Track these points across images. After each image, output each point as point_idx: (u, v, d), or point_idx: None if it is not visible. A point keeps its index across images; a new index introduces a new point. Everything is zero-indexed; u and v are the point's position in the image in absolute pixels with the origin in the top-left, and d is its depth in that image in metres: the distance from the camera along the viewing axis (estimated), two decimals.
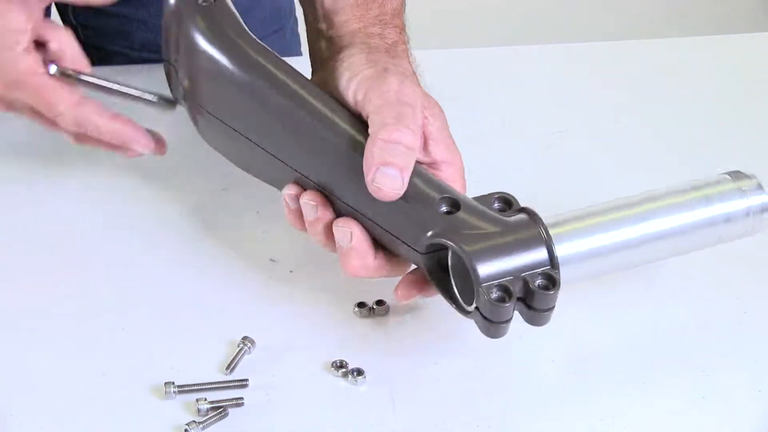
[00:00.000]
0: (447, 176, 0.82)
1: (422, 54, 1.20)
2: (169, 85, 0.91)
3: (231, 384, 0.79)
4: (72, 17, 1.21)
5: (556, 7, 2.71)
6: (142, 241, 0.91)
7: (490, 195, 0.79)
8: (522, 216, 0.77)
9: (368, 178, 0.77)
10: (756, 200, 0.83)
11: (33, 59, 0.87)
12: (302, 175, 0.82)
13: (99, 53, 1.23)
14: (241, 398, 0.77)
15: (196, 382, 0.78)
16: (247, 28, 0.87)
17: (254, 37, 0.86)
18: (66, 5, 1.21)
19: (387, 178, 0.77)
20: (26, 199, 0.96)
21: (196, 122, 0.89)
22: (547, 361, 0.81)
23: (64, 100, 0.87)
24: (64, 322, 0.84)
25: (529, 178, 1.00)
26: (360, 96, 0.81)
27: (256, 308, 0.85)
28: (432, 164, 0.82)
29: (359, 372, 0.79)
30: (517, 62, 1.18)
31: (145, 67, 1.09)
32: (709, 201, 0.82)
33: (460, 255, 0.74)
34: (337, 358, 0.80)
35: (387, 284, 0.83)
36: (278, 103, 0.82)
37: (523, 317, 0.76)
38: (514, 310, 0.75)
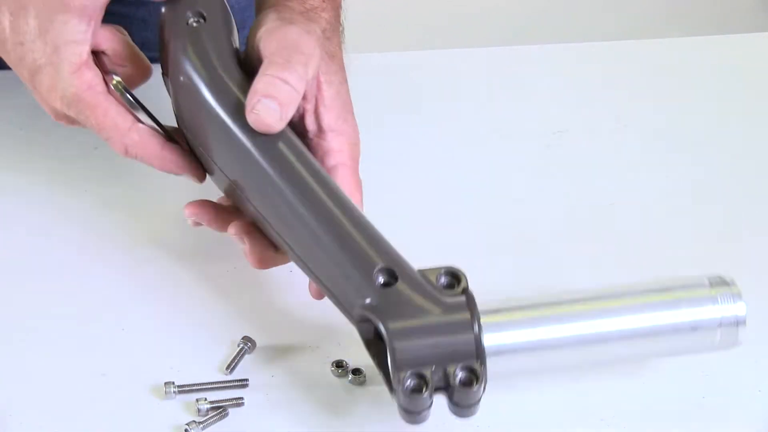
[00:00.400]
0: (333, 146, 0.82)
1: (423, 54, 1.20)
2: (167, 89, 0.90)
3: (231, 384, 0.79)
4: None
5: (556, 7, 2.71)
6: (141, 240, 0.91)
7: (439, 269, 0.74)
8: (460, 298, 0.72)
9: (248, 108, 0.77)
10: (731, 310, 0.75)
11: (92, 74, 0.82)
12: (255, 207, 0.80)
13: None
14: (241, 398, 0.77)
15: (196, 382, 0.78)
16: (233, 51, 0.83)
17: (237, 65, 0.82)
18: None
19: (267, 109, 0.77)
20: (27, 199, 0.96)
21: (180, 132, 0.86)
22: None
23: (116, 126, 0.83)
24: (64, 322, 0.84)
25: (528, 178, 1.00)
26: (261, 45, 0.81)
27: (256, 308, 0.85)
28: (319, 132, 0.82)
29: (359, 372, 0.79)
30: (517, 62, 1.17)
31: None
32: (675, 305, 0.74)
33: (383, 334, 0.71)
34: (337, 358, 0.80)
35: None
36: (245, 143, 0.79)
37: (448, 406, 0.72)
38: (432, 399, 0.71)
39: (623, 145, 1.05)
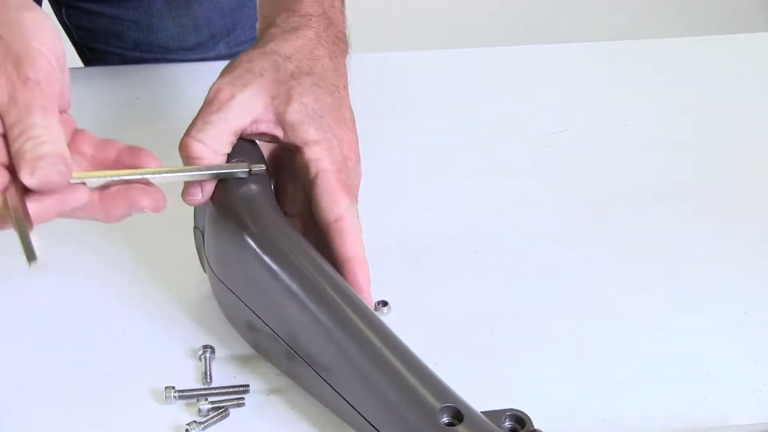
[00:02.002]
0: (310, 156, 0.80)
1: (423, 54, 1.20)
2: (197, 249, 0.86)
3: (232, 389, 0.78)
4: (65, 18, 1.21)
5: (556, 7, 2.71)
6: (142, 241, 0.91)
7: (502, 411, 0.72)
8: None
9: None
10: None
11: None
12: (298, 354, 0.77)
13: (93, 53, 1.22)
14: (242, 398, 0.77)
15: (196, 387, 0.78)
16: (275, 205, 0.80)
17: (279, 218, 0.79)
18: (59, 6, 1.21)
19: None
20: None
21: (211, 282, 0.84)
22: (546, 361, 0.81)
23: None
24: (64, 322, 0.84)
25: (528, 179, 1.00)
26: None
27: None
28: (298, 148, 0.80)
29: None
30: (517, 62, 1.18)
31: (140, 67, 1.10)
32: None
33: None
34: None
35: (388, 284, 0.83)
36: (283, 288, 0.76)
37: None
38: None
39: (623, 144, 1.05)
